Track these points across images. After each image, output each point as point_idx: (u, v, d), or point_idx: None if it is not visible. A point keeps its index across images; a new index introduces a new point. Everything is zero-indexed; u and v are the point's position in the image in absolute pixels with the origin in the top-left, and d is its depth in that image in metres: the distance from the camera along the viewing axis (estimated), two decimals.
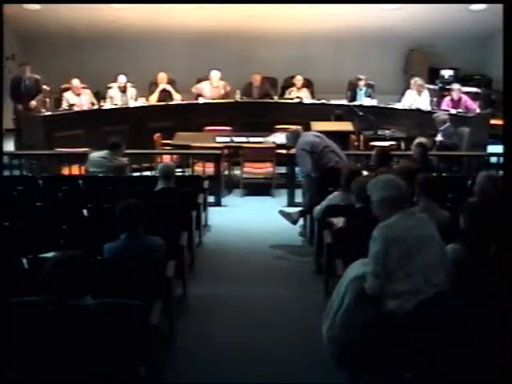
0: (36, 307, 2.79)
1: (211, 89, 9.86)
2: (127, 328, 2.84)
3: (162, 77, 9.75)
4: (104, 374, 2.57)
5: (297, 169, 7.26)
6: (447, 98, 9.42)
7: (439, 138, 8.13)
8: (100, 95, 9.74)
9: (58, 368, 2.62)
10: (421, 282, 3.11)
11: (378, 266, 3.14)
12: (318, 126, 8.14)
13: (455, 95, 9.27)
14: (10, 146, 8.89)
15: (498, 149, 7.38)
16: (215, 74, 9.84)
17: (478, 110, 9.23)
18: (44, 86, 9.97)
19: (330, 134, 6.92)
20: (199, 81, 10.12)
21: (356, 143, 8.69)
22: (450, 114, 8.86)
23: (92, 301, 2.77)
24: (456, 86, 9.51)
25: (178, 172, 7.48)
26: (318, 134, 6.72)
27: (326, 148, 6.45)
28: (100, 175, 6.41)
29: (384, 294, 3.14)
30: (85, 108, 9.19)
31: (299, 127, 6.94)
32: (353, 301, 3.25)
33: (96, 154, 6.60)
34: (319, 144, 6.46)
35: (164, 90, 9.73)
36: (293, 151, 7.49)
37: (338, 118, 8.61)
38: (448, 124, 8.14)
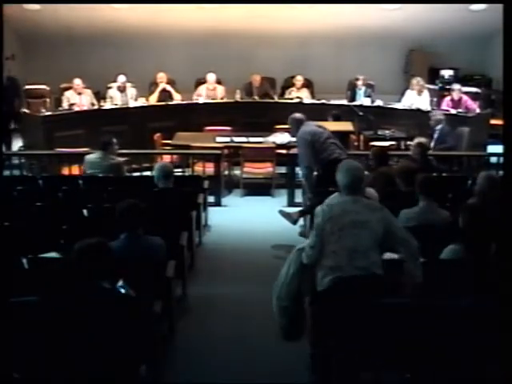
0: (36, 307, 2.81)
1: (207, 91, 9.86)
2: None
3: (162, 77, 9.74)
4: (104, 374, 2.57)
5: (297, 169, 7.26)
6: (447, 98, 9.42)
7: (432, 143, 8.05)
8: (100, 95, 9.74)
9: (59, 367, 2.62)
10: (343, 261, 3.32)
11: (315, 238, 3.44)
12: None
13: (455, 95, 9.26)
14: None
15: (498, 149, 7.37)
16: (211, 77, 9.84)
17: (478, 110, 9.23)
18: (44, 86, 10.01)
19: None
20: (198, 84, 10.12)
21: (356, 143, 8.69)
22: (450, 114, 8.87)
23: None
24: (456, 86, 9.51)
25: (178, 172, 7.49)
26: (321, 125, 6.67)
27: (328, 139, 6.24)
28: (99, 175, 6.41)
29: (316, 267, 3.43)
30: (85, 108, 9.19)
31: (303, 115, 6.66)
32: (295, 271, 3.49)
33: (91, 156, 6.58)
34: (321, 134, 6.26)
35: (164, 90, 9.72)
36: (293, 151, 7.50)
37: (336, 118, 8.60)
38: (443, 124, 8.08)
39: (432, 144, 8.00)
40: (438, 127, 8.07)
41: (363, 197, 3.66)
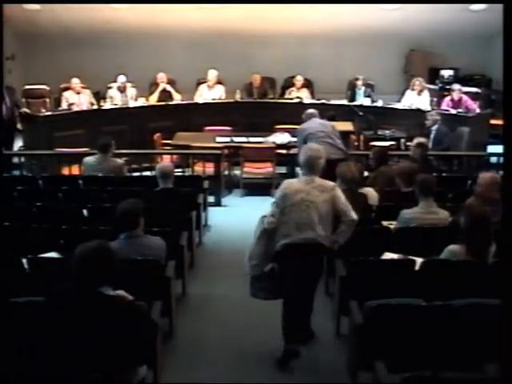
0: (37, 307, 2.80)
1: (208, 89, 9.85)
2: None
3: (162, 77, 9.74)
4: (104, 374, 2.57)
5: (297, 169, 7.26)
6: (447, 98, 9.42)
7: (430, 143, 8.02)
8: (100, 95, 9.74)
9: (59, 368, 2.62)
10: (292, 231, 3.93)
11: (274, 208, 4.05)
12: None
13: (455, 95, 9.26)
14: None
15: (498, 149, 7.38)
16: (212, 73, 9.81)
17: (478, 110, 9.23)
18: (44, 86, 10.00)
19: None
20: (198, 84, 10.12)
21: (356, 143, 8.69)
22: (450, 114, 8.87)
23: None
24: (456, 86, 9.51)
25: (178, 172, 7.49)
26: (325, 122, 6.67)
27: (323, 138, 6.30)
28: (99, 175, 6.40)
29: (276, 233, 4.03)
30: (84, 107, 9.18)
31: (315, 111, 6.83)
32: (260, 235, 4.08)
33: (90, 159, 6.52)
34: (318, 132, 6.38)
35: (164, 90, 9.72)
36: (293, 151, 7.50)
37: (331, 119, 8.55)
38: (439, 125, 8.03)
39: (430, 145, 7.99)
40: (435, 127, 8.05)
41: (319, 177, 4.13)
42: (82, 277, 2.77)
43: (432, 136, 8.04)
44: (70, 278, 2.80)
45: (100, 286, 2.80)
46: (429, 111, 8.63)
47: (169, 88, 9.75)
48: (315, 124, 6.62)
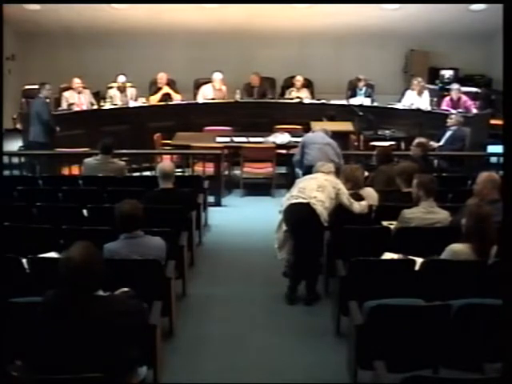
0: (38, 306, 2.79)
1: (214, 91, 9.84)
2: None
3: (162, 77, 9.74)
4: (104, 374, 2.56)
5: (297, 169, 7.27)
6: (447, 98, 9.42)
7: (442, 142, 8.04)
8: (100, 95, 9.75)
9: (59, 368, 2.62)
10: (298, 192, 4.85)
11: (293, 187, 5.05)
12: (318, 126, 8.14)
13: (454, 95, 9.27)
14: (9, 145, 8.85)
15: (498, 149, 7.37)
16: (217, 76, 9.81)
17: (474, 111, 9.22)
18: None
19: None
20: (199, 85, 10.11)
21: (356, 143, 8.68)
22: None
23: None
24: (455, 85, 9.51)
25: (178, 172, 7.48)
26: (325, 137, 6.72)
27: (316, 145, 6.61)
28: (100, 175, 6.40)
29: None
30: (84, 107, 9.19)
31: (324, 130, 6.95)
32: (279, 222, 5.06)
33: (91, 160, 6.50)
34: (313, 140, 6.72)
35: (166, 94, 9.71)
36: (293, 151, 7.52)
37: (330, 119, 8.55)
38: (459, 127, 8.01)
39: (441, 142, 8.00)
40: (453, 128, 8.03)
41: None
42: (73, 286, 2.70)
43: (447, 135, 8.05)
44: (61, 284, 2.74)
45: (93, 292, 2.75)
46: (434, 112, 8.62)
47: (170, 91, 9.73)
48: (315, 133, 6.94)
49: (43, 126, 8.11)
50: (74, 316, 2.67)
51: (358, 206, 4.91)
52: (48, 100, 8.38)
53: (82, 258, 2.71)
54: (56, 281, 2.74)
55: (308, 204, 4.70)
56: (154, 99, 9.67)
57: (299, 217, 4.76)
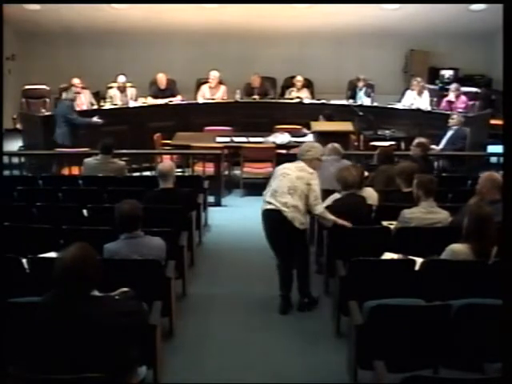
0: (36, 306, 2.79)
1: (210, 90, 9.85)
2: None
3: (161, 77, 9.73)
4: (104, 374, 2.56)
5: None
6: (446, 98, 9.42)
7: (443, 142, 8.03)
8: (100, 95, 9.75)
9: (58, 368, 2.62)
10: (270, 196, 4.73)
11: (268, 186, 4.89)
12: (318, 126, 8.15)
13: (453, 95, 9.27)
14: (9, 145, 8.86)
15: (498, 149, 7.38)
16: (213, 74, 9.81)
17: (470, 114, 9.20)
18: (44, 86, 9.98)
19: (330, 134, 6.89)
20: (199, 85, 10.11)
21: (356, 143, 8.68)
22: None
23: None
24: (453, 85, 9.51)
25: (178, 172, 7.48)
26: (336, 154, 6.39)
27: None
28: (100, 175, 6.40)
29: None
30: (84, 107, 9.18)
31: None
32: None
33: (91, 160, 6.51)
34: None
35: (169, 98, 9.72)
36: (293, 151, 7.51)
37: (328, 118, 8.54)
38: (460, 126, 8.00)
39: (442, 142, 7.99)
40: (455, 127, 8.03)
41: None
42: (65, 286, 2.70)
43: (448, 134, 8.05)
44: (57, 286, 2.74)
45: (86, 292, 2.74)
46: (434, 112, 8.61)
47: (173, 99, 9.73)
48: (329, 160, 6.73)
49: (70, 128, 8.21)
50: (69, 316, 2.67)
51: (322, 210, 4.68)
52: (72, 102, 8.47)
53: (73, 259, 2.70)
54: (52, 281, 2.74)
55: (279, 211, 4.62)
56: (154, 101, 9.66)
57: (271, 224, 4.75)
